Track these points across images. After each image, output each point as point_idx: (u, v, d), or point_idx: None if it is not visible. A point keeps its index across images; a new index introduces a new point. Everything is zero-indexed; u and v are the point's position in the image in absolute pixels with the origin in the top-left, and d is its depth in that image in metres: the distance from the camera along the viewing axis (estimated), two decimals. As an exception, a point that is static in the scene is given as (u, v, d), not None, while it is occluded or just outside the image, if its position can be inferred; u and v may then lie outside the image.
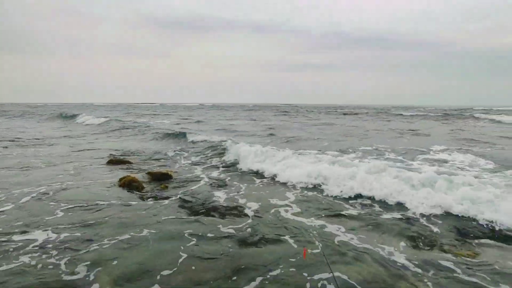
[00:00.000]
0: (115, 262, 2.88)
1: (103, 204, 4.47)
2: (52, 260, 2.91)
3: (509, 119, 21.12)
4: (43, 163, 7.32)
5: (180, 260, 2.95)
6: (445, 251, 3.15)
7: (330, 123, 21.23)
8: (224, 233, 3.56)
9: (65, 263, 2.86)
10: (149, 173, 6.35)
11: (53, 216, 3.99)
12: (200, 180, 5.97)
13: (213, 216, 4.13)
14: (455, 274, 2.74)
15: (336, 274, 2.70)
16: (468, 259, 3.00)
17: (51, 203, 4.49)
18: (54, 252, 3.05)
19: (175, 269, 2.79)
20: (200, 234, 3.50)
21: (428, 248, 3.24)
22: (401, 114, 31.34)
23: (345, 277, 2.68)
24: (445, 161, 7.16)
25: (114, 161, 7.61)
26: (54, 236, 3.41)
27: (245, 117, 29.54)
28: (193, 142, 10.70)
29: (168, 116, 29.46)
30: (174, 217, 4.03)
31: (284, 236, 3.52)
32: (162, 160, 8.08)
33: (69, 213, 4.09)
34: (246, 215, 4.19)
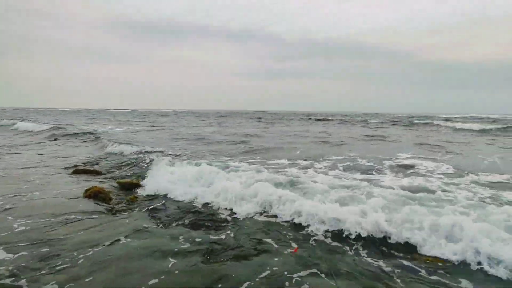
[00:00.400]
0: (79, 284, 2.70)
1: (67, 218, 4.20)
2: (7, 281, 2.68)
3: (465, 125, 22.60)
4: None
5: (151, 281, 2.80)
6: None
7: (304, 130, 21.60)
8: (198, 245, 3.46)
9: (23, 285, 2.64)
10: (118, 183, 6.11)
11: (9, 232, 3.69)
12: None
13: (186, 226, 4.02)
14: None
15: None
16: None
17: (9, 217, 4.15)
18: (11, 273, 2.81)
19: (145, 289, 2.67)
20: (172, 248, 3.38)
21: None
22: (367, 121, 32.48)
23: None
24: (412, 167, 7.49)
25: (79, 171, 7.23)
26: (10, 256, 3.14)
27: (219, 124, 29.37)
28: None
29: (131, 123, 28.60)
30: (143, 230, 3.87)
31: (265, 244, 3.50)
32: (130, 168, 7.78)
33: (28, 229, 3.80)
34: (222, 224, 4.12)
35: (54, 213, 4.35)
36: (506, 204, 4.41)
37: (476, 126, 21.74)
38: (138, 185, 5.98)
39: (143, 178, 6.44)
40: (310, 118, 40.67)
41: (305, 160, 8.48)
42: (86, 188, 5.40)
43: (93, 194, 5.10)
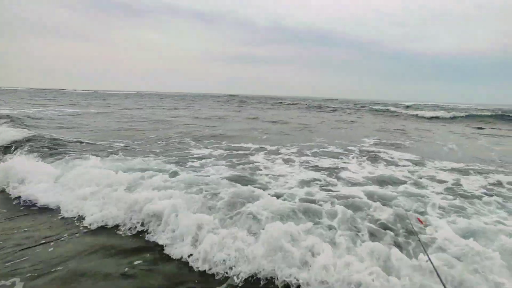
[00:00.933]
0: None
1: None
2: None
3: (424, 113, 23.69)
4: None
5: None
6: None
7: (275, 114, 21.48)
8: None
9: None
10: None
11: None
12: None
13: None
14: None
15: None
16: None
17: None
18: None
19: None
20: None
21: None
22: (333, 107, 32.84)
23: None
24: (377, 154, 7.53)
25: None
26: None
27: (186, 106, 28.35)
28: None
29: (81, 104, 26.66)
30: None
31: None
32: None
33: None
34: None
35: None
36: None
37: (431, 114, 22.89)
38: None
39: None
40: (281, 103, 40.68)
41: (272, 146, 8.24)
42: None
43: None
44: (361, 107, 33.59)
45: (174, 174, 5.00)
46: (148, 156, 6.48)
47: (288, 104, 38.42)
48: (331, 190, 4.55)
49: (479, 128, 15.64)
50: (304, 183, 4.90)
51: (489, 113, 21.92)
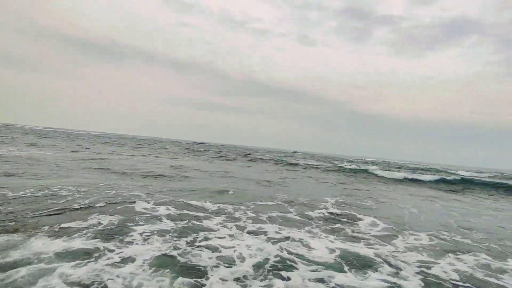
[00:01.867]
0: None
1: None
2: None
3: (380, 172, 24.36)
4: None
5: None
6: None
7: (242, 166, 20.68)
8: None
9: None
10: None
11: None
12: None
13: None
14: None
15: None
16: None
17: None
18: None
19: None
20: None
21: None
22: (298, 164, 33.08)
23: None
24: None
25: None
26: None
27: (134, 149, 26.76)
28: None
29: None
30: None
31: None
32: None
33: None
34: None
35: None
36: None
37: (387, 174, 23.66)
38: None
39: None
40: (249, 154, 40.01)
41: (231, 205, 7.31)
42: None
43: None
44: (322, 162, 34.12)
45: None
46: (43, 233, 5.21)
47: (257, 159, 37.93)
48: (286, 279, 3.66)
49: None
50: (257, 267, 3.96)
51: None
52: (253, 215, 6.75)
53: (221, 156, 31.07)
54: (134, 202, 6.65)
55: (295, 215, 7.17)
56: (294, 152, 67.64)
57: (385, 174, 23.66)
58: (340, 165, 31.12)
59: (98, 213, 5.65)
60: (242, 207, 7.37)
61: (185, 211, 6.48)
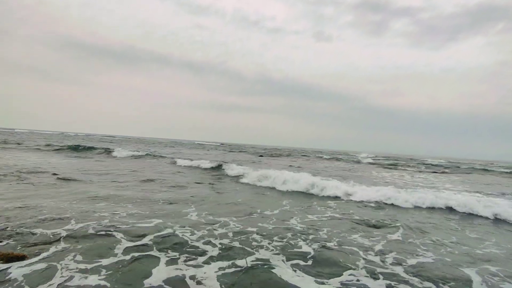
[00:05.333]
0: None
1: None
2: None
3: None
4: None
5: None
6: None
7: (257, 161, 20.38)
8: None
9: None
10: (-12, 254, 3.80)
11: None
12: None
13: None
14: None
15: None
16: None
17: None
18: None
19: None
20: None
21: None
22: (322, 157, 32.76)
23: None
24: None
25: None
26: None
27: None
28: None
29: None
30: None
31: None
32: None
33: None
34: None
35: None
36: None
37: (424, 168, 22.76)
38: (21, 258, 3.75)
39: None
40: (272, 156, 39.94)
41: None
42: None
43: None
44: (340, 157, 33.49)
45: None
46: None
47: (274, 155, 37.71)
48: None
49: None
50: None
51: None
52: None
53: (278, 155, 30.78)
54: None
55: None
56: (314, 150, 66.80)
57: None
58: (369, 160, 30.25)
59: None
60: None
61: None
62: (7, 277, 3.24)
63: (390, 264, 4.15)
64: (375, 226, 6.11)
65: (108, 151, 22.60)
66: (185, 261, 3.96)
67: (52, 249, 4.08)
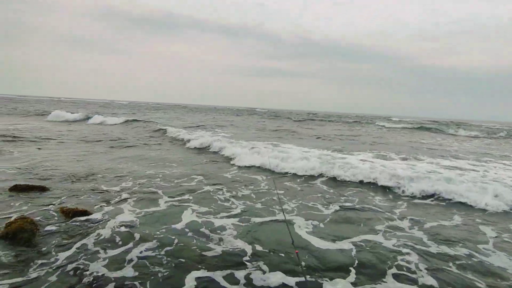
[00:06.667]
0: None
1: None
2: None
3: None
4: None
5: None
6: None
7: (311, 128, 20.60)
8: None
9: None
10: (60, 210, 4.69)
11: None
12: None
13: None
14: None
15: None
16: None
17: None
18: None
19: None
20: None
21: None
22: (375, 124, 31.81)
23: None
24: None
25: (19, 188, 5.74)
26: None
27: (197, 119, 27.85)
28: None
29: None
30: None
31: None
32: (93, 182, 6.31)
33: None
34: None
35: None
36: None
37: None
38: (85, 213, 4.57)
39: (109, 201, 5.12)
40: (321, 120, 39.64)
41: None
42: (7, 222, 3.98)
43: (12, 234, 3.68)
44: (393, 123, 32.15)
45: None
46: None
47: (322, 120, 37.24)
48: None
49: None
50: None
51: None
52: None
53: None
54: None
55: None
56: (357, 115, 64.43)
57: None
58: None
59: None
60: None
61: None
62: (70, 228, 4.05)
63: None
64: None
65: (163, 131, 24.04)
66: (211, 213, 4.81)
67: (110, 203, 4.98)
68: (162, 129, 16.30)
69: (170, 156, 9.69)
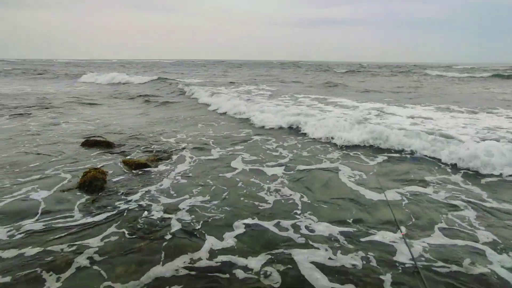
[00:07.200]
0: None
1: (25, 225, 3.22)
2: None
3: None
4: None
5: None
6: None
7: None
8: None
9: None
10: (124, 162, 5.24)
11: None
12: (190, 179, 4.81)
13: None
14: None
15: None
16: None
17: None
18: None
19: None
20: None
21: None
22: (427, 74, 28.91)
23: None
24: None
25: (89, 143, 6.47)
26: None
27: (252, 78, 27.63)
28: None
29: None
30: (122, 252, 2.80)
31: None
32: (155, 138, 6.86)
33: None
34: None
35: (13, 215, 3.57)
36: None
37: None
38: (145, 165, 5.05)
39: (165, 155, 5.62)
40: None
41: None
42: (85, 171, 4.58)
43: (88, 182, 4.24)
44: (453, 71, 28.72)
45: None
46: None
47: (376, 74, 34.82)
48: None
49: None
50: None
51: None
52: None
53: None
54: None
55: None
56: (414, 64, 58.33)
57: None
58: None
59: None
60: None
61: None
62: (134, 178, 4.54)
63: None
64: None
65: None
66: (257, 161, 5.26)
67: (168, 155, 5.59)
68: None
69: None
